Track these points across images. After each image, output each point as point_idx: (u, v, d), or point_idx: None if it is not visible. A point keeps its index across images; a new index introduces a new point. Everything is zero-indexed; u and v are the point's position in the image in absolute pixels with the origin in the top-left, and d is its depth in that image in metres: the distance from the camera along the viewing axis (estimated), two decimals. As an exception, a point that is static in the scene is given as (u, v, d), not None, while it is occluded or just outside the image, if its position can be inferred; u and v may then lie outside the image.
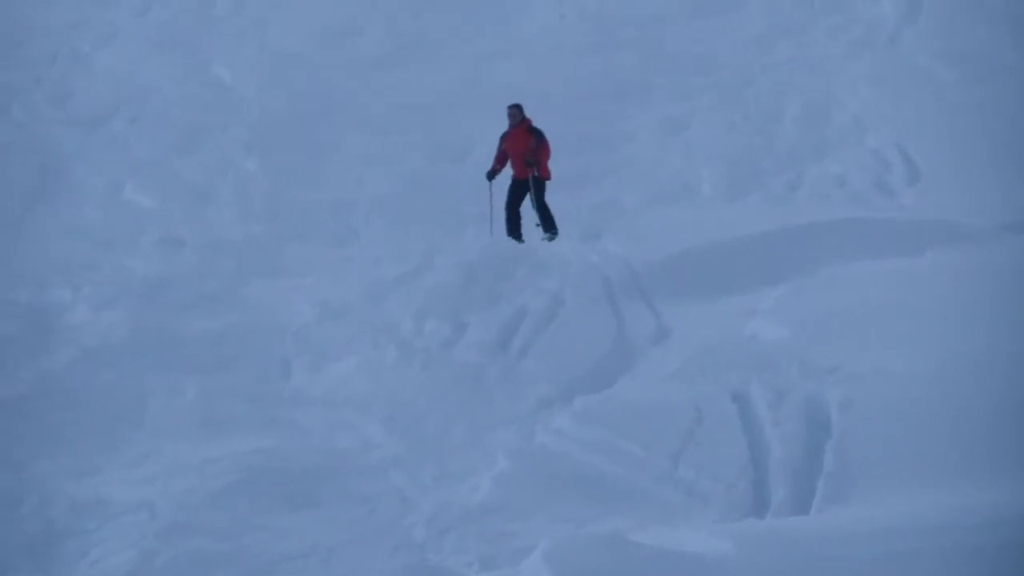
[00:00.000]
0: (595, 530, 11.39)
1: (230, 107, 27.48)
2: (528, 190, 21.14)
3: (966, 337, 14.69)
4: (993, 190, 19.89)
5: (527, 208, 21.19)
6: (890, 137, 23.01)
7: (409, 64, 28.75)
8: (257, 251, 20.78)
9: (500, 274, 19.26)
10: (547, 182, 21.11)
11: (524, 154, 20.95)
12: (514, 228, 21.27)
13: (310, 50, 29.71)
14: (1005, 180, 20.26)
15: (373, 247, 20.55)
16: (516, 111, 21.20)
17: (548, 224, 21.02)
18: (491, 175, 21.47)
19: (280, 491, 14.19)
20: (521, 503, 13.09)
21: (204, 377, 16.90)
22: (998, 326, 14.85)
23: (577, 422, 14.63)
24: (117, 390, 16.60)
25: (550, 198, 21.06)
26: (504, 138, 21.30)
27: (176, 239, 21.58)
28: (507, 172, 21.17)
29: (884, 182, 21.85)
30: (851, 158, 22.72)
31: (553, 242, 20.63)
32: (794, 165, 22.88)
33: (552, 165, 23.94)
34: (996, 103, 23.84)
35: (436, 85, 27.62)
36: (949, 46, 26.68)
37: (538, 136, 21.09)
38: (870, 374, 14.30)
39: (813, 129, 23.90)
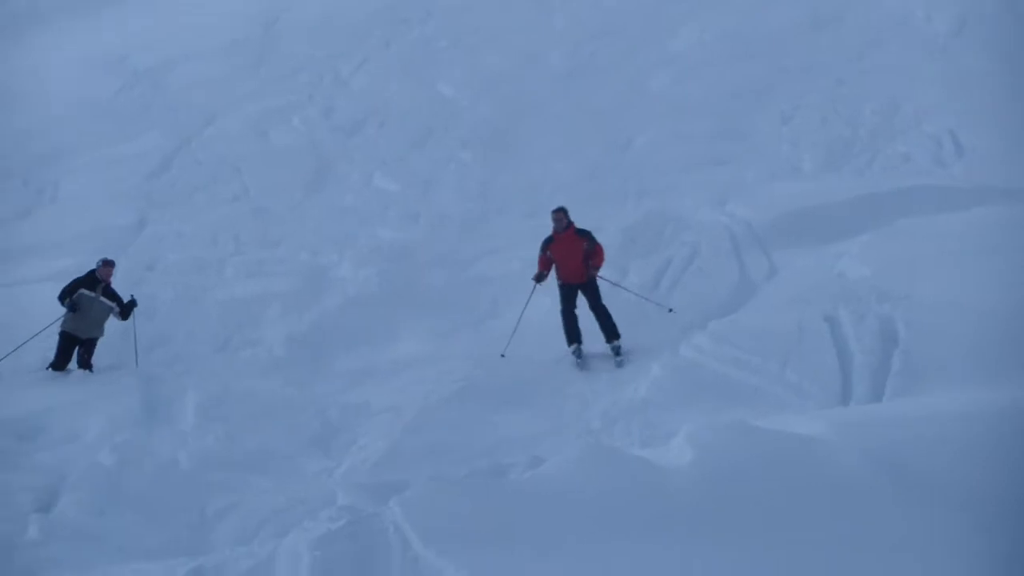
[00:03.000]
0: (725, 418, 11.34)
1: (451, 115, 27.63)
2: (582, 292, 15.78)
3: (1003, 272, 14.49)
4: (1021, 163, 19.60)
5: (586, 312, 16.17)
6: (943, 124, 22.41)
7: (585, 78, 28.50)
8: (472, 223, 20.82)
9: (653, 233, 19.31)
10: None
11: (582, 258, 15.64)
12: (573, 334, 15.53)
13: (511, 69, 29.41)
14: (1032, 155, 20.11)
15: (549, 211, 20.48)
16: (562, 215, 15.76)
17: (611, 331, 15.56)
18: (539, 278, 15.81)
19: (496, 396, 14.56)
20: (670, 400, 13.38)
21: (436, 316, 17.22)
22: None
23: (711, 340, 14.85)
24: (372, 327, 17.02)
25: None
26: (549, 244, 15.75)
27: (413, 215, 21.87)
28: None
29: (938, 158, 21.29)
30: (914, 140, 22.15)
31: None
32: (872, 146, 22.32)
33: (696, 149, 23.99)
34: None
35: (605, 93, 27.36)
36: (989, 51, 26.16)
37: (590, 238, 15.70)
38: (929, 300, 14.29)
39: (886, 119, 23.33)
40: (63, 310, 16.02)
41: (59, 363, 15.88)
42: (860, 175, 20.99)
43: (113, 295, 16.29)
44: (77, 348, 16.00)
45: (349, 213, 22.25)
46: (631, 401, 13.77)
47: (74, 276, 16.53)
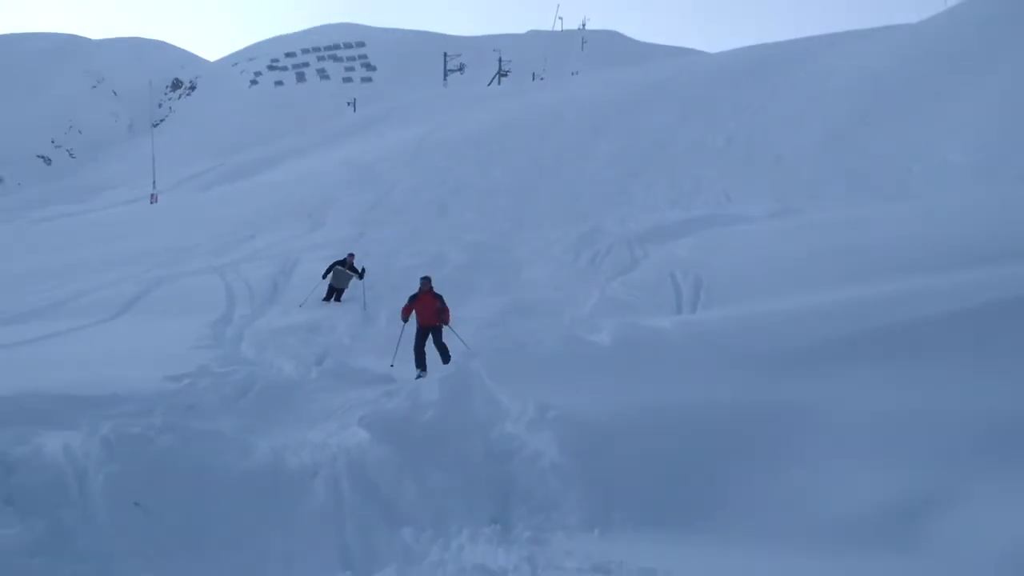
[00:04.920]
0: (625, 321, 10.76)
1: (500, 185, 27.11)
2: (430, 333, 11.48)
3: (763, 249, 14.25)
4: (764, 203, 19.34)
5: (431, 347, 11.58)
6: (723, 188, 22.54)
7: (560, 170, 28.35)
8: (511, 232, 20.42)
9: (591, 237, 18.77)
10: (444, 327, 11.55)
11: (433, 311, 11.40)
12: (420, 363, 11.26)
13: (527, 165, 29.40)
14: (771, 199, 19.76)
15: (547, 227, 20.17)
16: (427, 282, 11.72)
17: (446, 358, 11.17)
18: (404, 318, 11.80)
19: (523, 313, 13.84)
20: (600, 313, 12.95)
21: (496, 275, 16.49)
22: (774, 246, 14.31)
23: (621, 285, 14.55)
24: (466, 281, 15.92)
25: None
26: (415, 299, 11.59)
27: (483, 228, 21.41)
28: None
29: (721, 203, 21.26)
30: (710, 195, 22.10)
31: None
32: (690, 198, 22.05)
33: (609, 199, 23.58)
34: (769, 180, 23.19)
35: (568, 175, 27.11)
36: (746, 152, 26.02)
37: (441, 300, 11.58)
38: (719, 264, 14.02)
39: (695, 187, 23.14)
40: (329, 273, 15.88)
41: (327, 298, 15.73)
42: (686, 210, 20.83)
43: (354, 269, 16.04)
44: (335, 292, 15.81)
45: (455, 228, 21.83)
46: (582, 314, 13.40)
47: (333, 259, 16.31)
